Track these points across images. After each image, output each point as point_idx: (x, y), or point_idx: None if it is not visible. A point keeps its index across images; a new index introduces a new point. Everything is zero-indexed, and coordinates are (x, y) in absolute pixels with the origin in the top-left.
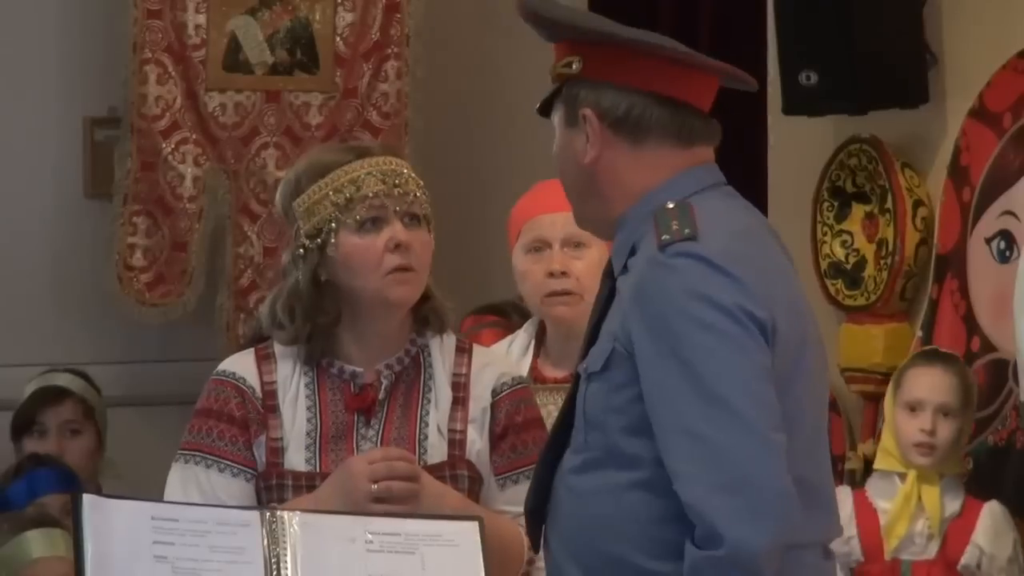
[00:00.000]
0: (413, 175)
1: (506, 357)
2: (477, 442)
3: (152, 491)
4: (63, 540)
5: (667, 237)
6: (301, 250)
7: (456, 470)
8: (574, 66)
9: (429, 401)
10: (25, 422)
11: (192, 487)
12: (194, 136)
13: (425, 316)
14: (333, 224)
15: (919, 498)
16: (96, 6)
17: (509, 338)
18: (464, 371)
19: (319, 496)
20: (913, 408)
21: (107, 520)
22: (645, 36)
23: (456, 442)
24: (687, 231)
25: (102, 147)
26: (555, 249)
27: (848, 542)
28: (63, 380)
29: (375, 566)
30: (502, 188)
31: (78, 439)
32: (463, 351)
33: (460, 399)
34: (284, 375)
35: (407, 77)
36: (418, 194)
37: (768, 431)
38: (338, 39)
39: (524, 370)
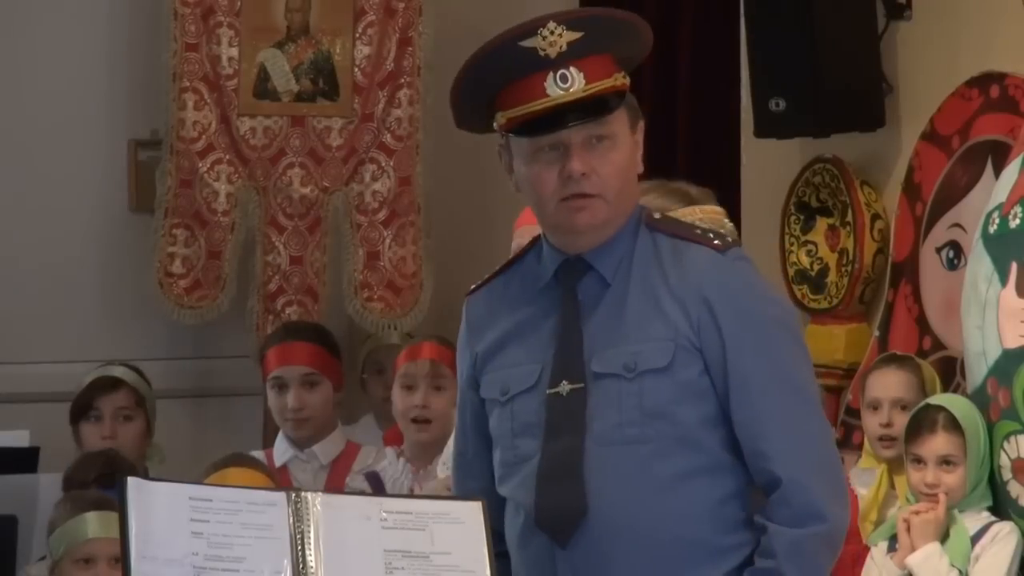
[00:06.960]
0: None
1: None
2: None
3: (192, 473)
4: (117, 523)
5: (719, 242)
6: None
7: None
8: (626, 79)
9: None
10: (83, 407)
11: None
12: (227, 156)
13: None
14: None
15: (891, 487)
16: (140, 40)
17: None
18: None
19: None
20: (875, 407)
21: (149, 500)
22: None
23: None
24: (729, 237)
25: (145, 166)
26: None
27: None
28: (118, 372)
29: (389, 541)
30: (504, 203)
31: (130, 424)
32: None
33: None
34: None
35: (418, 103)
36: None
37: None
38: (356, 70)
39: None
